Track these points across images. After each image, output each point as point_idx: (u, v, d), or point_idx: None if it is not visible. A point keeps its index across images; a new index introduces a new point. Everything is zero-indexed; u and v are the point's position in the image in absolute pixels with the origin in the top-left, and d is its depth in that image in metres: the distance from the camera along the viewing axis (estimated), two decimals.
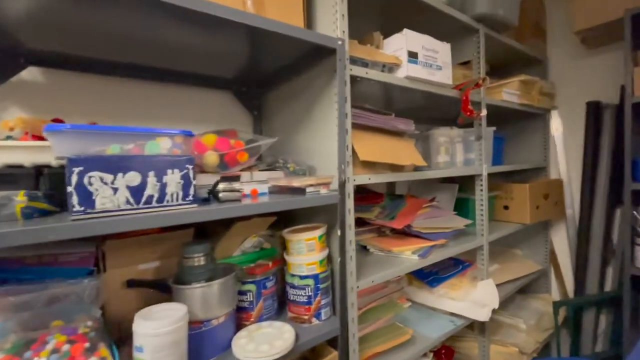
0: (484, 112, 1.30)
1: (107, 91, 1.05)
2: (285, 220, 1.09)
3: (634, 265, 1.46)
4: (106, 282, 0.79)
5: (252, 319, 0.89)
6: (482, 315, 1.30)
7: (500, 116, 1.88)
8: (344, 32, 0.90)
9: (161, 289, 0.79)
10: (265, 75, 1.17)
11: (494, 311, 1.35)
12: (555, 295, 2.01)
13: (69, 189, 0.55)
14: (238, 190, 0.76)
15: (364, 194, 1.52)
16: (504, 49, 1.67)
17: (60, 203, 0.64)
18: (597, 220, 1.71)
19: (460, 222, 1.44)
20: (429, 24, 1.26)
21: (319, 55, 0.91)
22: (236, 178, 0.77)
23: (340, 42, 0.86)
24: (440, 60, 1.17)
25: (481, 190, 1.46)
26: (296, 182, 0.84)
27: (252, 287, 0.89)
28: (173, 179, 0.65)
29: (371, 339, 1.10)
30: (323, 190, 0.88)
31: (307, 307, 0.91)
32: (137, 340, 0.64)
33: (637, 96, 1.39)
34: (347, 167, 0.92)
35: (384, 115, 1.09)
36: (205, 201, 0.75)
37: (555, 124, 1.94)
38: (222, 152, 0.86)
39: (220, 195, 0.74)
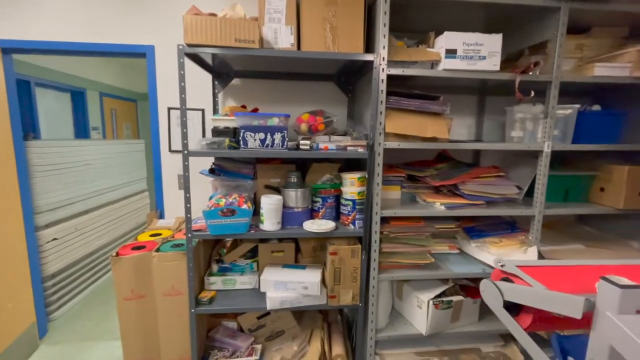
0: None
1: (267, 87, 1.94)
2: (351, 167, 1.72)
3: None
4: (257, 184, 1.69)
5: (319, 217, 1.62)
6: None
7: (633, 92, 1.73)
8: (384, 47, 1.38)
9: (277, 191, 1.63)
10: (354, 70, 1.76)
11: None
12: None
13: (240, 138, 1.40)
14: (309, 145, 1.46)
15: (427, 160, 1.91)
16: (623, 15, 1.52)
17: (238, 143, 1.52)
18: None
19: (510, 192, 1.64)
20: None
21: (368, 64, 1.44)
22: (309, 138, 1.47)
23: (375, 56, 1.36)
24: (485, 51, 1.41)
25: (541, 166, 1.57)
26: (342, 143, 1.46)
27: (319, 199, 1.61)
28: (278, 136, 1.41)
29: (398, 255, 1.62)
30: (360, 149, 1.46)
31: (347, 217, 1.56)
32: (262, 205, 1.49)
33: None
34: (380, 136, 1.44)
35: (421, 99, 1.48)
36: (294, 149, 1.50)
37: None
38: (309, 124, 1.57)
39: (300, 146, 1.46)
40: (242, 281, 1.67)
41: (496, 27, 1.53)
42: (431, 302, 1.58)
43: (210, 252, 1.78)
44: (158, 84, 1.98)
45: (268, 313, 1.72)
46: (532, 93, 1.44)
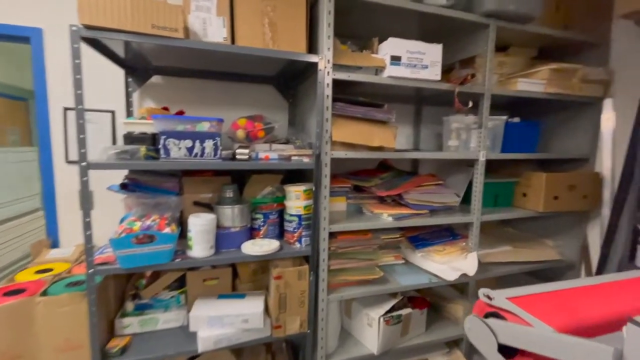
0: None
1: (196, 88, 1.68)
2: (295, 179, 1.56)
3: None
4: (183, 201, 1.42)
5: (260, 235, 1.43)
6: (451, 276, 1.55)
7: (543, 105, 1.95)
8: (328, 49, 1.27)
9: (209, 208, 1.39)
10: (295, 73, 1.62)
11: None
12: None
13: (160, 146, 1.14)
14: (248, 154, 1.27)
15: (370, 170, 1.87)
16: (535, 37, 1.68)
17: (159, 153, 1.25)
18: (625, 219, 1.64)
19: (450, 200, 1.67)
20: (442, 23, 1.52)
21: (312, 66, 1.32)
22: (248, 147, 1.28)
23: (320, 57, 1.25)
24: (427, 60, 1.41)
25: (477, 174, 1.63)
26: (286, 152, 1.30)
27: (260, 216, 1.41)
28: (209, 144, 1.19)
29: (347, 272, 1.51)
30: (306, 159, 1.32)
31: (292, 234, 1.39)
32: (189, 227, 1.24)
33: None
34: (326, 145, 1.32)
35: (367, 107, 1.41)
36: (230, 159, 1.29)
37: (607, 115, 1.81)
38: (247, 130, 1.38)
39: (237, 156, 1.26)
40: (166, 319, 1.38)
41: (431, 40, 1.55)
42: (382, 319, 1.50)
43: (124, 287, 1.44)
44: (50, 78, 1.58)
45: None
46: (471, 104, 1.48)
